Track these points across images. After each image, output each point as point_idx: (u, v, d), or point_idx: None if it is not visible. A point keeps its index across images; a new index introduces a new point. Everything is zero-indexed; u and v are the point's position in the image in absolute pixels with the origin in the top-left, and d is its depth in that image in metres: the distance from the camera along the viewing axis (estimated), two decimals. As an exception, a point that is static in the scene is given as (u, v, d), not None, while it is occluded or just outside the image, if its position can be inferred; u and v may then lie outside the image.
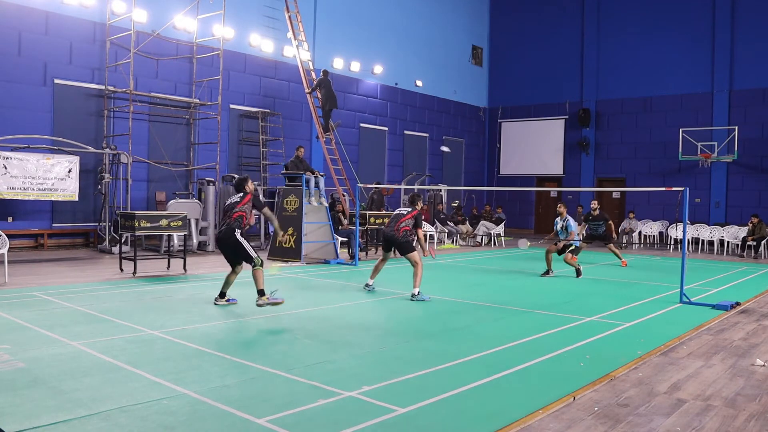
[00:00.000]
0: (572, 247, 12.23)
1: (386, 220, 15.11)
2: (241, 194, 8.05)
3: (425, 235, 18.14)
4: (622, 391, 4.82)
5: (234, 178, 15.80)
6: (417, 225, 9.26)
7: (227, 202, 8.06)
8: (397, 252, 9.60)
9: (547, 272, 12.10)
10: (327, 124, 16.69)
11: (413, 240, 9.28)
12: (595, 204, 14.18)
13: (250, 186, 8.17)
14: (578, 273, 11.94)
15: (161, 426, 3.86)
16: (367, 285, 9.50)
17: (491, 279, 11.48)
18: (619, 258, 14.05)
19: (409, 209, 9.39)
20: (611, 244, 14.21)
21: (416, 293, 8.81)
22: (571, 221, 12.29)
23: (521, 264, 13.97)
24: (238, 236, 7.72)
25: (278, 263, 9.05)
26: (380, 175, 21.86)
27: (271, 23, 18.25)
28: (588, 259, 15.64)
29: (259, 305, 7.32)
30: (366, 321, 7.57)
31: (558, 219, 12.33)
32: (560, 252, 12.20)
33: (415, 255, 9.07)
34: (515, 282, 11.13)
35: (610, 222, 14.32)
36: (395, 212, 9.69)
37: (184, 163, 16.58)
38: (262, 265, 7.54)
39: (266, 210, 8.11)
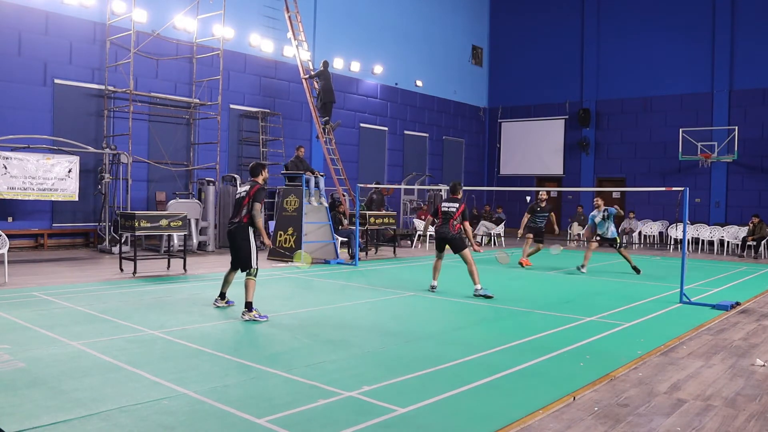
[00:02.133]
0: (617, 241, 12.62)
1: (387, 220, 15.17)
2: (248, 187, 7.48)
3: (426, 235, 18.24)
4: (622, 391, 4.82)
5: (234, 178, 15.82)
6: (464, 218, 9.44)
7: (237, 194, 7.58)
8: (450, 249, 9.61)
9: (582, 266, 12.54)
10: (327, 117, 16.70)
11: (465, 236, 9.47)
12: (544, 195, 13.62)
13: (262, 177, 7.61)
14: (636, 269, 12.43)
15: (161, 426, 3.86)
16: (432, 287, 9.60)
17: (491, 279, 11.46)
18: (530, 255, 13.53)
19: (456, 205, 9.46)
20: (540, 244, 13.60)
21: (479, 288, 9.08)
22: (612, 208, 12.70)
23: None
24: (251, 237, 7.36)
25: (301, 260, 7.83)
26: (380, 175, 21.86)
27: (271, 23, 18.25)
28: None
29: (244, 319, 7.04)
30: (366, 321, 7.57)
31: (595, 212, 12.63)
32: (601, 245, 12.69)
33: (467, 253, 9.31)
34: (515, 282, 11.13)
35: (552, 214, 13.93)
36: (443, 209, 9.60)
37: (184, 163, 16.58)
38: (256, 275, 7.31)
39: (255, 213, 7.30)
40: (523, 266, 13.19)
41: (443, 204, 9.71)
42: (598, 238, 12.73)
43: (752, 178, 20.73)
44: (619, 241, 12.71)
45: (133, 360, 5.30)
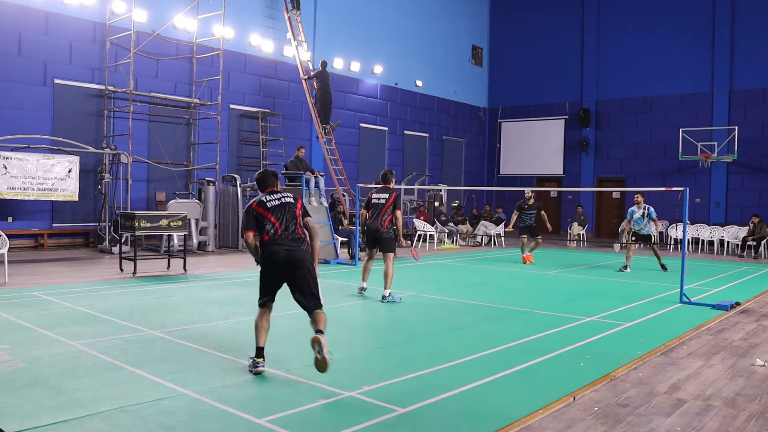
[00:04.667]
0: (651, 238, 12.94)
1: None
2: (291, 195, 5.50)
3: (425, 235, 18.23)
4: (622, 391, 4.82)
5: (234, 178, 15.82)
6: (396, 206, 8.71)
7: (278, 201, 5.37)
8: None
9: (625, 267, 12.89)
10: (326, 118, 16.71)
11: (395, 235, 8.79)
12: (529, 192, 14.19)
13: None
14: (626, 267, 12.85)
15: (161, 426, 3.86)
16: (361, 289, 9.04)
17: (491, 279, 11.48)
18: (531, 250, 14.21)
19: (386, 195, 8.76)
20: (539, 237, 14.27)
21: (387, 295, 8.55)
22: (652, 209, 12.99)
23: (521, 264, 13.97)
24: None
25: None
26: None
27: (271, 23, 18.25)
28: (586, 259, 15.66)
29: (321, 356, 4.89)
30: (366, 321, 7.58)
31: (635, 208, 13.01)
32: (640, 243, 13.07)
33: (391, 256, 8.77)
34: (515, 282, 11.13)
35: (543, 212, 14.29)
36: (373, 201, 8.90)
37: (184, 163, 16.58)
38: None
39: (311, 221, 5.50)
40: (525, 263, 13.88)
41: (373, 195, 8.92)
42: (633, 237, 13.04)
43: (752, 178, 20.72)
44: (653, 238, 13.06)
45: (133, 360, 5.30)
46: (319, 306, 5.23)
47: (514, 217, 14.20)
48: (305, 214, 5.44)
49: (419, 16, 23.37)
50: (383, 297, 8.59)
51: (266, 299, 5.33)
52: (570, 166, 24.50)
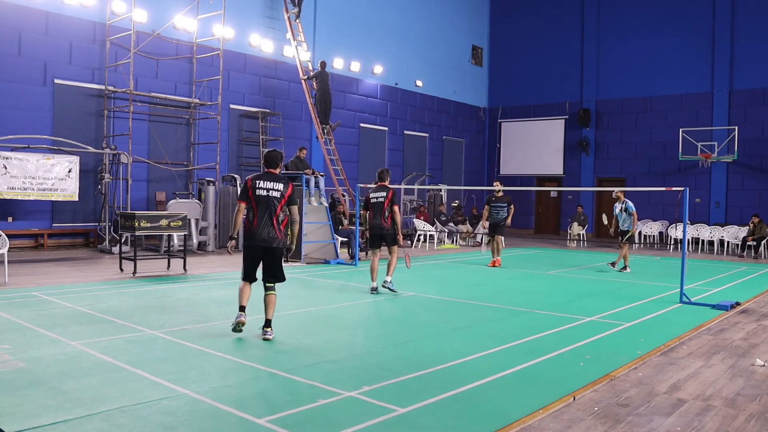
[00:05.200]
0: (628, 235, 12.78)
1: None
2: (282, 184, 6.28)
3: (425, 235, 18.24)
4: (622, 391, 4.82)
5: (234, 178, 15.82)
6: (393, 202, 9.15)
7: (265, 192, 6.20)
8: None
9: (624, 267, 12.82)
10: (326, 118, 16.71)
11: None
12: (498, 185, 13.70)
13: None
14: (625, 267, 12.78)
15: (161, 426, 3.86)
16: (372, 289, 9.28)
17: (491, 279, 11.48)
18: (498, 253, 13.46)
19: (384, 194, 9.20)
20: (501, 237, 13.68)
21: (389, 281, 9.03)
22: (630, 202, 12.89)
23: (521, 264, 13.97)
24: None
25: None
26: (380, 175, 21.81)
27: (271, 23, 18.25)
28: (587, 259, 15.66)
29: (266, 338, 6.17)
30: (366, 321, 7.58)
31: (617, 204, 12.96)
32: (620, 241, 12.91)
33: (396, 249, 9.30)
34: (515, 282, 11.13)
35: (512, 207, 13.74)
36: (372, 200, 9.31)
37: (184, 163, 16.57)
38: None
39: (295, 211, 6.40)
40: (491, 266, 13.23)
41: (371, 195, 9.34)
42: (620, 238, 12.91)
43: (752, 178, 20.72)
44: (628, 235, 12.80)
45: (133, 360, 5.30)
46: (275, 283, 6.33)
47: (485, 213, 13.84)
48: (290, 203, 6.27)
49: (419, 16, 23.37)
50: (384, 282, 9.00)
51: (247, 276, 6.32)
52: (570, 166, 24.50)
